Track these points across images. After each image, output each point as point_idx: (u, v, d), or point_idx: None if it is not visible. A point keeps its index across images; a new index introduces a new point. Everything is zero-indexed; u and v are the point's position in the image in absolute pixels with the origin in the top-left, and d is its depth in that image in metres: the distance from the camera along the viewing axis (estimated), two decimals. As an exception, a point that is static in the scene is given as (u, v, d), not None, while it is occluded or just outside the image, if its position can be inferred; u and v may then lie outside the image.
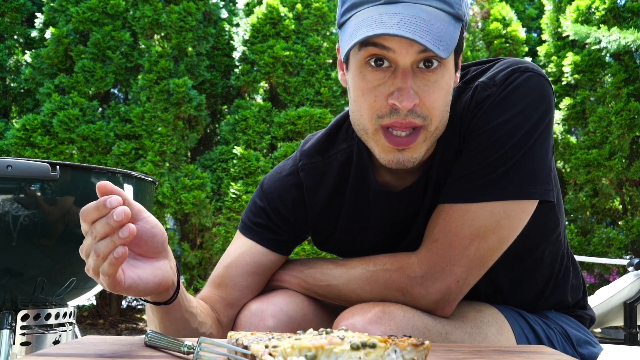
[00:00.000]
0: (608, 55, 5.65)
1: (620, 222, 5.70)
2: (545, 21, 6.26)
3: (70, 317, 1.83)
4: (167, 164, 5.47)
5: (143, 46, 5.67)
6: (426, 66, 0.92)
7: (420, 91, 0.93)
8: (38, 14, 5.97)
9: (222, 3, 6.27)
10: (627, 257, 5.47)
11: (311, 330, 0.75)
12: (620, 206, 5.86)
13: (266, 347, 0.64)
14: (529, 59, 6.41)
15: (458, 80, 1.05)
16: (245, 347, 0.68)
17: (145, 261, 0.89)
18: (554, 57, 6.07)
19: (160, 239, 0.89)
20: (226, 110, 6.44)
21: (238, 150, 5.39)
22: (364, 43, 0.92)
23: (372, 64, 0.93)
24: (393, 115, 0.93)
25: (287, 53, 5.58)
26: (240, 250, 1.13)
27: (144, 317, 6.18)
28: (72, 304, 1.83)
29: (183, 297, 0.99)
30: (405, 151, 0.95)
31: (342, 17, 0.98)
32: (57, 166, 1.58)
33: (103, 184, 0.81)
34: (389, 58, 0.92)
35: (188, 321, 1.02)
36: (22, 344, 1.68)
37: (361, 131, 0.99)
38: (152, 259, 0.89)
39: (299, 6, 5.82)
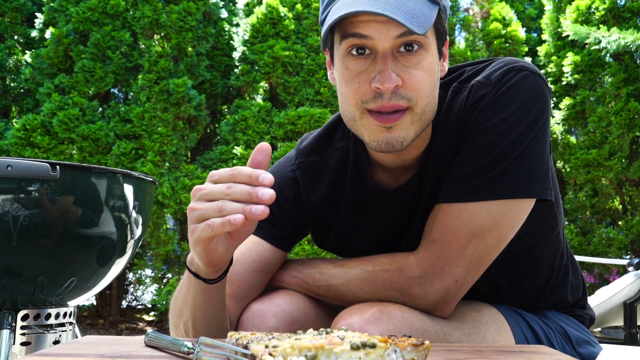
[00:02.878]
0: (608, 55, 5.64)
1: (620, 222, 5.70)
2: (545, 21, 6.25)
3: (70, 317, 1.83)
4: (167, 164, 5.47)
5: (143, 46, 5.67)
6: (407, 50, 0.94)
7: (403, 73, 0.94)
8: (38, 14, 5.97)
9: (222, 3, 6.27)
10: (627, 257, 5.47)
11: (311, 330, 0.75)
12: (620, 206, 5.85)
13: (266, 347, 0.64)
14: (529, 59, 6.40)
15: (446, 70, 1.05)
16: (245, 347, 0.68)
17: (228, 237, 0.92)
18: (554, 57, 6.06)
19: (253, 231, 0.94)
20: (226, 110, 6.44)
21: (238, 150, 5.39)
22: (344, 35, 0.94)
23: (354, 52, 0.95)
24: (377, 99, 0.94)
25: (287, 53, 5.58)
26: (246, 247, 1.13)
27: (144, 317, 6.18)
28: (72, 304, 1.83)
29: (224, 285, 1.01)
30: (393, 129, 0.96)
31: (322, 14, 1.00)
32: (57, 166, 1.58)
33: (265, 147, 0.87)
34: (368, 46, 0.94)
35: (220, 309, 1.03)
36: (22, 344, 1.68)
37: (350, 121, 1.00)
38: (232, 239, 0.93)
39: (299, 6, 5.82)
